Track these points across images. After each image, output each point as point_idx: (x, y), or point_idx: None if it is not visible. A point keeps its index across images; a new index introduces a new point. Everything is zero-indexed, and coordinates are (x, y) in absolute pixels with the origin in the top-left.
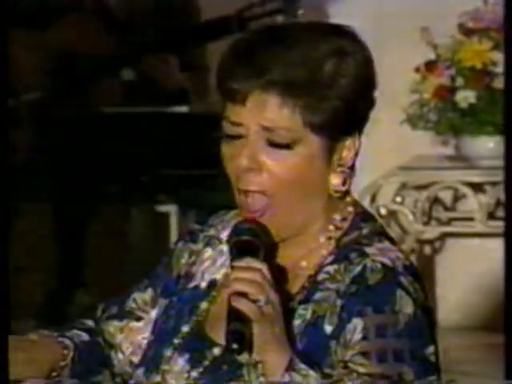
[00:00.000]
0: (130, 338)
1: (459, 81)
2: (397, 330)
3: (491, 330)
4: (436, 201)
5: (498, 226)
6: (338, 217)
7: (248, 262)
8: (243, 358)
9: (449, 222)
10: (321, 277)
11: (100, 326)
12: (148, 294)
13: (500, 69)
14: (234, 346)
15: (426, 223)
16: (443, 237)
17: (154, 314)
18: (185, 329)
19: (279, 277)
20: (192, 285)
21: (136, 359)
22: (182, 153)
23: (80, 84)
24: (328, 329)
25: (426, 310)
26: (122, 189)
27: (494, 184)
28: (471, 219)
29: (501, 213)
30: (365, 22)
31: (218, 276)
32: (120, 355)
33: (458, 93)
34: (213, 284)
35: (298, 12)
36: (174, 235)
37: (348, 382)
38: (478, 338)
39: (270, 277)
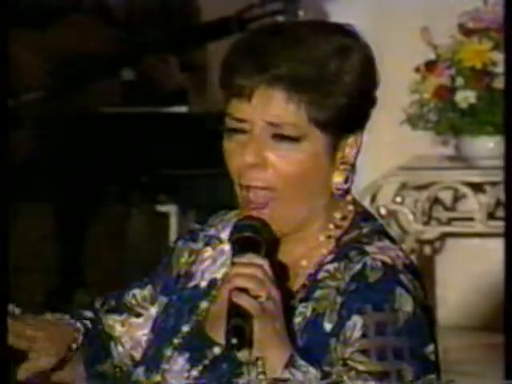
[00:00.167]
0: (130, 333)
1: (459, 81)
2: (396, 327)
3: (491, 330)
4: (436, 201)
5: (498, 226)
6: (338, 215)
7: (249, 258)
8: (243, 355)
9: (449, 222)
10: (321, 275)
11: (99, 317)
12: (148, 291)
13: (500, 69)
14: (234, 341)
15: (426, 223)
16: (443, 237)
17: (153, 311)
18: (185, 328)
19: (280, 275)
20: (192, 284)
21: (136, 354)
22: (181, 153)
23: (80, 84)
24: (328, 326)
25: (426, 308)
26: (122, 189)
27: (493, 184)
28: (471, 219)
29: (501, 213)
30: (365, 22)
31: (218, 275)
32: (120, 348)
33: (457, 93)
34: (213, 283)
35: (299, 12)
36: (173, 235)
37: (347, 380)
38: (477, 338)
39: (272, 273)
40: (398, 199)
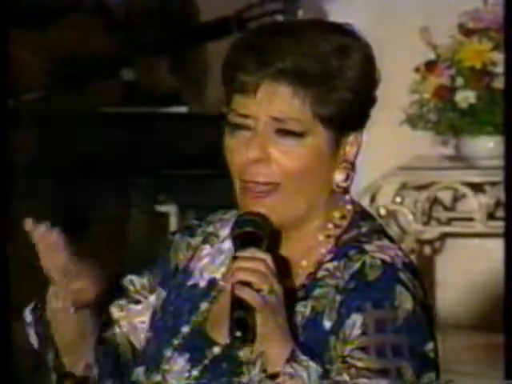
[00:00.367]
0: (129, 318)
1: (459, 81)
2: (396, 325)
3: (491, 330)
4: (436, 201)
5: (498, 226)
6: (337, 215)
7: (252, 252)
8: (244, 355)
9: (449, 222)
10: (320, 274)
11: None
12: (146, 280)
13: (500, 69)
14: (238, 333)
15: (426, 223)
16: (443, 237)
17: (152, 298)
18: (185, 329)
19: (280, 274)
20: (190, 283)
21: (133, 338)
22: (181, 153)
23: (80, 84)
24: (327, 324)
25: (426, 306)
26: (122, 189)
27: (493, 184)
28: (471, 219)
29: (501, 213)
30: (365, 22)
31: (218, 275)
32: (117, 329)
33: (457, 93)
34: (212, 284)
35: (298, 12)
36: None
37: (347, 377)
38: (477, 338)
39: (274, 267)
40: (398, 199)
